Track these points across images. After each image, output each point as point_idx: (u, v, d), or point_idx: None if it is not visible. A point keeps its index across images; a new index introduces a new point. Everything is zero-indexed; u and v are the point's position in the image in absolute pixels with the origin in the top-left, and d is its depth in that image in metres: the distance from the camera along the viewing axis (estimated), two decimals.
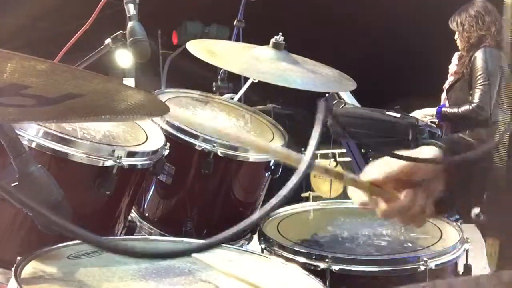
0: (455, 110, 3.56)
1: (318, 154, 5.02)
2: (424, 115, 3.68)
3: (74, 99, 0.71)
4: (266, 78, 1.88)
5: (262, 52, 2.00)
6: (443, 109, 3.62)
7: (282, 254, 1.67)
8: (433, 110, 3.68)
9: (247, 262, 1.37)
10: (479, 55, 3.46)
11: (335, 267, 1.59)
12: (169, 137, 1.78)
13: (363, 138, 3.34)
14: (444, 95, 3.77)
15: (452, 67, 3.74)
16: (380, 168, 1.06)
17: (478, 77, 3.44)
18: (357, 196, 1.08)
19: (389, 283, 1.63)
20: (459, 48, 3.66)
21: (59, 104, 0.71)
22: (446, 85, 3.76)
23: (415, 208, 1.04)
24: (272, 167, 1.95)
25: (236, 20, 2.75)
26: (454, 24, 3.64)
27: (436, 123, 3.64)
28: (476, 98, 3.44)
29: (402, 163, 1.04)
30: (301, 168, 0.73)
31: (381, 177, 1.04)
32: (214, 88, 2.63)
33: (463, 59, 3.60)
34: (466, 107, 3.47)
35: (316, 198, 4.59)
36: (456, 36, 3.64)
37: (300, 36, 3.48)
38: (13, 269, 1.12)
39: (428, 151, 1.09)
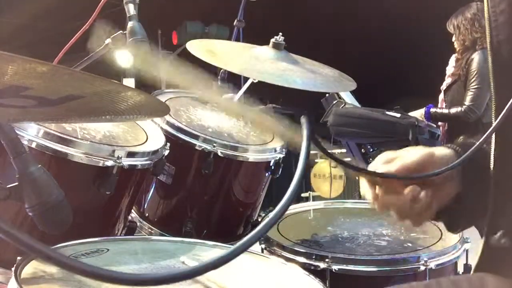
0: (445, 111, 3.57)
1: (318, 155, 5.02)
2: (421, 114, 3.68)
3: (74, 101, 0.71)
4: (266, 78, 1.88)
5: (262, 52, 2.00)
6: (432, 109, 3.62)
7: (282, 254, 1.67)
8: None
9: (247, 262, 1.37)
10: (475, 57, 3.48)
11: (335, 267, 1.59)
12: (169, 137, 1.79)
13: (363, 138, 3.35)
14: (441, 96, 3.77)
15: (449, 69, 3.75)
16: (395, 159, 1.03)
17: (472, 79, 3.46)
18: (366, 188, 1.04)
19: (389, 283, 1.64)
20: (456, 50, 3.68)
21: (60, 105, 0.71)
22: (443, 86, 3.77)
23: (417, 206, 1.00)
24: (272, 167, 1.96)
25: (236, 20, 2.74)
26: (451, 27, 3.65)
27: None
28: (468, 100, 3.45)
29: (418, 155, 1.01)
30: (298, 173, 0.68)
31: (394, 168, 1.01)
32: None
33: (460, 61, 3.61)
34: (458, 108, 3.48)
35: (316, 198, 4.59)
36: (454, 39, 3.65)
37: (300, 36, 3.48)
38: (13, 269, 1.12)
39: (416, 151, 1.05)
